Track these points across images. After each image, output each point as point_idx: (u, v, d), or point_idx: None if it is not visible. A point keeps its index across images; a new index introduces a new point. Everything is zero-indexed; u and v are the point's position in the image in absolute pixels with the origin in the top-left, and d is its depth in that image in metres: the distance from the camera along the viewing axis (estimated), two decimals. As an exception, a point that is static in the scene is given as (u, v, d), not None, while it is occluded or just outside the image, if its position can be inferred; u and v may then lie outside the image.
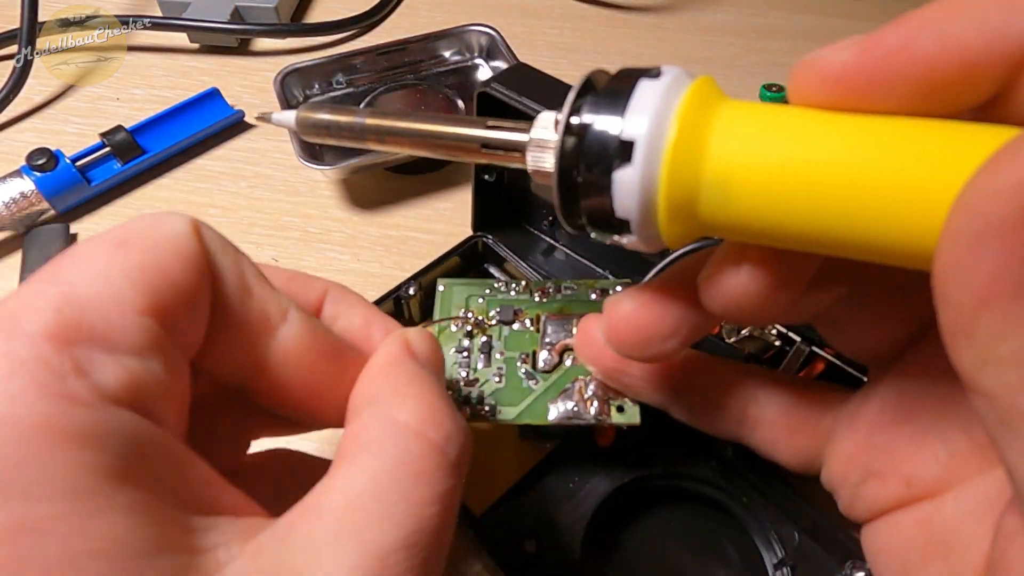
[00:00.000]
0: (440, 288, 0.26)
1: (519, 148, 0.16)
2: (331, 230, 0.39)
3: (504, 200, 0.35)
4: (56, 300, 0.11)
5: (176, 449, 0.12)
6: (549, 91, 0.29)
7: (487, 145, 0.17)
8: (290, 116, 0.21)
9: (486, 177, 0.33)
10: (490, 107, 0.30)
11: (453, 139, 0.17)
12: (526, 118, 0.31)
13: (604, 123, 0.13)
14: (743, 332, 0.29)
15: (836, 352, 0.27)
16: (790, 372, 0.28)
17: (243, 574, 0.12)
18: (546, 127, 0.16)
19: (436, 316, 0.25)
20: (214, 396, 0.17)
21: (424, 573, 0.13)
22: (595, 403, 0.23)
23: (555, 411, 0.23)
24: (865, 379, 0.27)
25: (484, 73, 0.46)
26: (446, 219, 0.39)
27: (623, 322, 0.17)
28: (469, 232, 0.38)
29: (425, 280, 0.31)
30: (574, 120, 0.14)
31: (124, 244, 0.13)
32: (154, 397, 0.12)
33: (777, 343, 0.28)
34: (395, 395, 0.15)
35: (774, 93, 0.46)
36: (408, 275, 0.32)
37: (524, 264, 0.33)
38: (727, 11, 0.53)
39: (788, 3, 0.54)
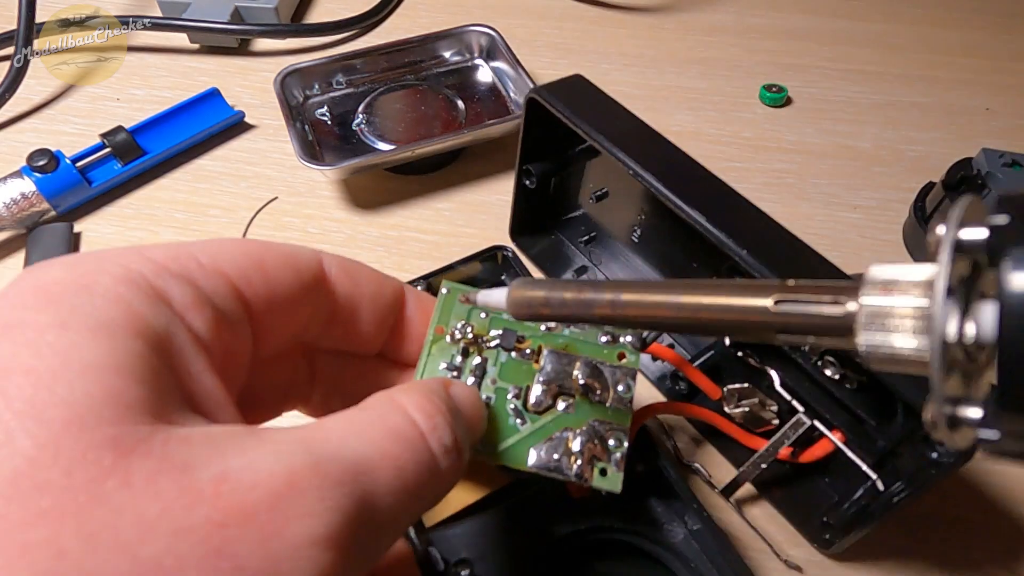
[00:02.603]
0: (444, 291, 0.23)
1: (843, 329, 0.12)
2: (331, 230, 0.39)
3: (543, 208, 0.34)
4: (178, 251, 0.16)
5: (196, 359, 0.15)
6: (601, 110, 0.27)
7: (786, 330, 0.13)
8: (500, 295, 0.19)
9: (527, 183, 0.32)
10: (537, 115, 0.29)
11: (730, 315, 0.13)
12: (569, 134, 0.29)
13: None
14: (743, 403, 0.28)
15: (847, 439, 0.26)
16: (781, 444, 0.26)
17: (167, 453, 0.12)
18: (894, 292, 0.11)
19: (434, 320, 0.23)
20: (279, 362, 0.20)
21: (353, 515, 0.13)
22: (579, 461, 0.21)
23: (535, 456, 0.21)
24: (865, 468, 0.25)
25: (484, 73, 0.46)
26: (446, 219, 0.39)
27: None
28: (470, 232, 0.39)
29: (436, 281, 0.30)
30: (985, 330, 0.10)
31: (248, 240, 0.17)
32: (207, 326, 0.15)
33: (775, 422, 0.28)
34: (407, 389, 0.17)
35: (774, 94, 0.46)
36: (409, 276, 0.32)
37: None
38: (727, 11, 0.53)
39: (788, 3, 0.54)
